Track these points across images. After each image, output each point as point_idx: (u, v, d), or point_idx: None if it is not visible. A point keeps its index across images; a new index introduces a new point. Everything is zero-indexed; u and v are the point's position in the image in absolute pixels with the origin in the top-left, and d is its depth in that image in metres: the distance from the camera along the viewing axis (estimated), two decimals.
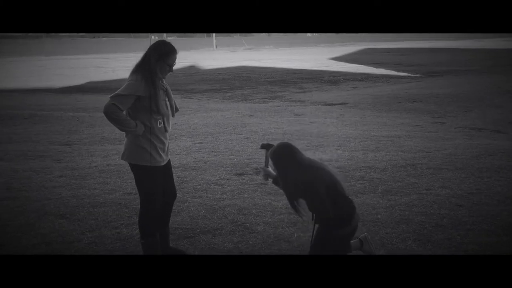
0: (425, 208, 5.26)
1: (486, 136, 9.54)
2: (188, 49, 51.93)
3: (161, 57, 3.81)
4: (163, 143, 3.99)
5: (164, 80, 4.00)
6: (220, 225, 4.92)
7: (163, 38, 4.05)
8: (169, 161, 4.14)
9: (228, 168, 6.91)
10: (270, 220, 5.03)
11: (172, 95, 4.06)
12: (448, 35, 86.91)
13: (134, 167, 3.95)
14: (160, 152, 3.95)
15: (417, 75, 23.14)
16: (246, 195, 5.78)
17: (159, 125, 3.93)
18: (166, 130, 3.99)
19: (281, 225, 4.89)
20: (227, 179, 6.43)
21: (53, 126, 11.04)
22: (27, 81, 23.47)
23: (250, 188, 6.03)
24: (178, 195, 5.81)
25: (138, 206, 5.43)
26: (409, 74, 23.65)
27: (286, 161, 3.56)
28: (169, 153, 4.13)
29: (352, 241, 3.97)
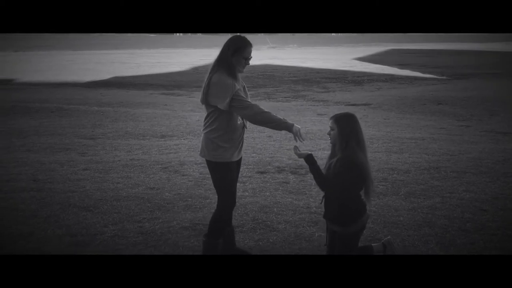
0: (448, 211, 5.20)
1: None
2: (212, 47, 52.16)
3: (236, 51, 3.85)
4: (241, 140, 3.99)
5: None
6: (241, 222, 4.94)
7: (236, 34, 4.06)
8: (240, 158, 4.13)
9: (250, 166, 6.94)
10: (291, 219, 5.03)
11: (247, 92, 4.08)
12: (476, 37, 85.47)
13: (213, 165, 3.92)
14: (239, 148, 3.97)
15: (443, 77, 22.85)
16: (267, 193, 5.79)
17: (239, 121, 3.93)
18: (245, 126, 4.02)
19: (302, 224, 4.89)
20: (249, 177, 6.46)
21: (79, 120, 11.22)
22: (55, 75, 23.88)
23: (272, 187, 6.05)
24: (200, 191, 5.89)
25: (160, 201, 5.52)
26: (435, 76, 23.36)
27: (351, 129, 3.48)
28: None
29: (374, 245, 3.95)
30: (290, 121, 3.81)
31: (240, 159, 4.11)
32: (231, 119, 3.88)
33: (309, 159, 3.56)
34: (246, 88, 4.08)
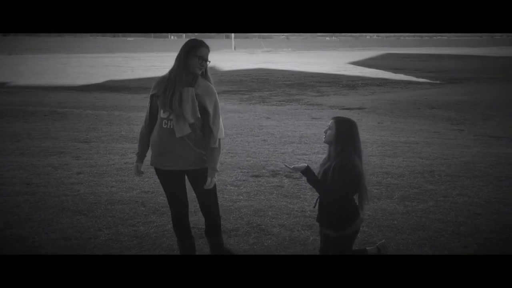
0: (442, 215, 5.22)
1: (505, 145, 9.42)
2: None
3: (190, 51, 3.78)
4: (165, 146, 3.77)
5: (200, 83, 3.79)
6: (236, 226, 4.94)
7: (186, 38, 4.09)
8: (199, 171, 3.84)
9: (244, 170, 6.94)
10: (285, 222, 5.04)
11: (204, 103, 3.74)
12: (470, 42, 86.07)
13: None
14: (161, 155, 3.79)
15: (437, 82, 22.96)
16: (262, 197, 5.80)
17: (164, 125, 3.77)
18: (176, 134, 3.74)
19: (296, 228, 4.90)
20: (244, 180, 6.46)
21: (73, 123, 11.18)
22: (49, 78, 23.80)
23: (266, 190, 6.05)
24: (194, 195, 5.84)
25: (154, 205, 5.52)
26: (429, 81, 23.46)
27: (348, 135, 3.49)
28: (195, 162, 3.80)
29: (369, 248, 3.96)
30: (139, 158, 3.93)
31: (191, 173, 3.84)
32: (156, 122, 3.85)
33: (307, 171, 3.50)
34: (204, 98, 3.75)
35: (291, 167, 3.54)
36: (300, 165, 3.54)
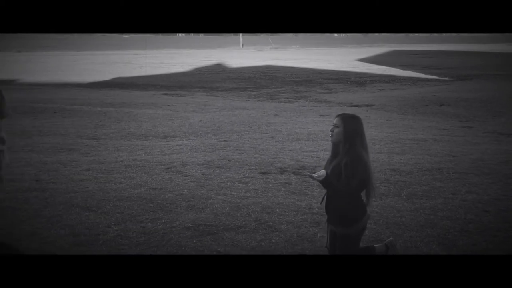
0: (450, 212, 5.20)
1: None
2: (215, 47, 52.08)
3: None
4: None
5: None
6: (243, 223, 4.95)
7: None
8: None
9: (252, 167, 6.94)
10: (293, 219, 5.04)
11: None
12: (479, 39, 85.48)
13: None
14: None
15: (446, 78, 22.83)
16: (270, 194, 5.80)
17: None
18: None
19: (304, 225, 4.90)
20: (251, 177, 6.47)
21: (82, 120, 11.24)
22: (58, 76, 23.93)
23: (274, 187, 6.05)
24: (202, 191, 5.90)
25: (162, 201, 5.53)
26: (438, 77, 23.34)
27: (356, 131, 3.48)
28: None
29: (377, 246, 3.96)
30: None
31: None
32: None
33: (326, 180, 3.42)
34: None
35: (315, 175, 3.44)
36: (320, 173, 3.45)
